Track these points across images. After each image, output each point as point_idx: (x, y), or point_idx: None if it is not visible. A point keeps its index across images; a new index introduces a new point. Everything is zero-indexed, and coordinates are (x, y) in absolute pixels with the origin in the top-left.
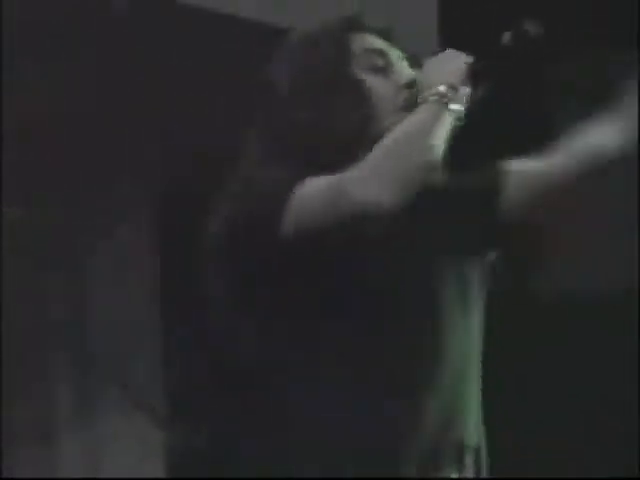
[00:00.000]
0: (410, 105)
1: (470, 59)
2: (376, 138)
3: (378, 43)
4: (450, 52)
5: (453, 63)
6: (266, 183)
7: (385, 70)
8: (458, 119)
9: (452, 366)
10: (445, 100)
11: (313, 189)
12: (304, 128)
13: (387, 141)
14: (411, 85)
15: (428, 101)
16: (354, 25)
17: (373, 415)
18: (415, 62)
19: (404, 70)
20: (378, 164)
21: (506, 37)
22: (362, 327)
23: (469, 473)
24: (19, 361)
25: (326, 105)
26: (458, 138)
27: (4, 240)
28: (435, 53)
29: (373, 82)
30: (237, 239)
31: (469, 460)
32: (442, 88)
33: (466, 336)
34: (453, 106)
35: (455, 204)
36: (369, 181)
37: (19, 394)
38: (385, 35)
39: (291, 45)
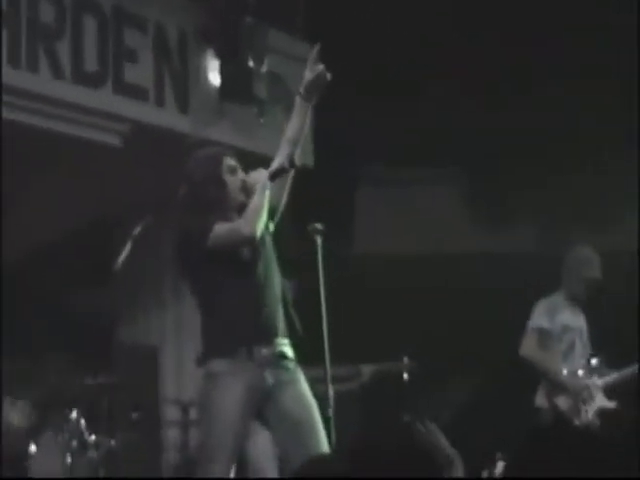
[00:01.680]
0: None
1: (267, 174)
2: (236, 205)
3: (232, 162)
4: (261, 170)
5: (263, 173)
6: (198, 222)
7: (235, 173)
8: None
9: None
10: (264, 188)
11: (223, 228)
12: (210, 200)
13: (248, 208)
14: (244, 186)
15: (258, 189)
16: (225, 152)
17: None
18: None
19: (241, 174)
20: (246, 220)
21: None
22: (240, 284)
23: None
24: None
25: (216, 187)
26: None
27: None
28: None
29: (230, 178)
30: (186, 246)
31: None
32: (261, 183)
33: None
34: (267, 190)
35: None
36: (243, 227)
37: None
38: (235, 155)
39: (198, 157)
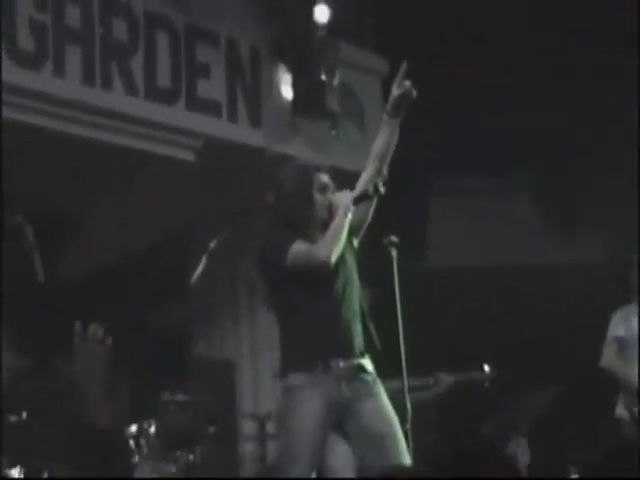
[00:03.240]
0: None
1: (352, 195)
2: (320, 223)
3: (325, 179)
4: (346, 191)
5: (347, 196)
6: (280, 239)
7: (325, 192)
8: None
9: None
10: (346, 212)
11: (301, 249)
12: (297, 216)
13: (327, 232)
14: (330, 205)
15: (340, 213)
16: (317, 168)
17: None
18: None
19: (331, 194)
20: (323, 245)
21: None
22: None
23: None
24: None
25: (306, 206)
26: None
27: None
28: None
29: (320, 197)
30: (265, 262)
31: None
32: (343, 207)
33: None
34: (349, 214)
35: None
36: (319, 252)
37: None
38: (328, 173)
39: (290, 170)
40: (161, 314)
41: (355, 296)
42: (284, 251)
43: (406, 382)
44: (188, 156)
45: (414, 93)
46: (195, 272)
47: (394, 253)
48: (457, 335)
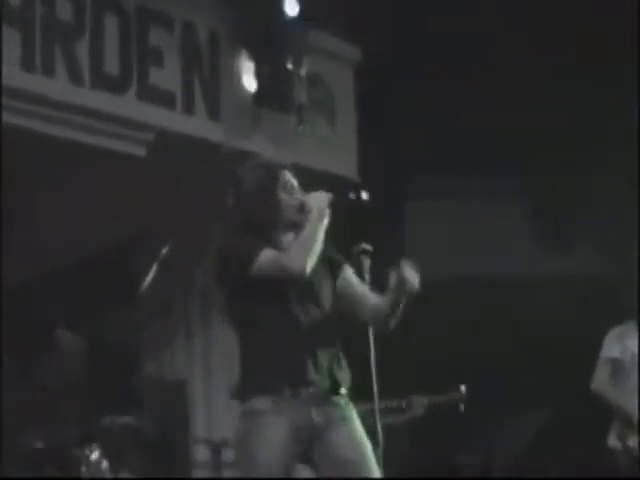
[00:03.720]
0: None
1: (330, 197)
2: (287, 226)
3: (289, 177)
4: (322, 192)
5: (324, 197)
6: (242, 245)
7: (292, 191)
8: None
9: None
10: (321, 216)
11: (269, 257)
12: (259, 217)
13: (300, 239)
14: (302, 206)
15: (315, 216)
16: (282, 166)
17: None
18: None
19: (298, 194)
20: (296, 253)
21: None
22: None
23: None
24: None
25: (270, 206)
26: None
27: None
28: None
29: (285, 196)
30: (225, 271)
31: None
32: (318, 210)
33: None
34: (325, 219)
35: None
36: (291, 262)
37: None
38: (292, 171)
39: (251, 167)
40: (104, 326)
41: (326, 312)
42: (248, 258)
43: (377, 405)
44: (139, 151)
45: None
46: (144, 280)
47: (367, 263)
48: (435, 354)
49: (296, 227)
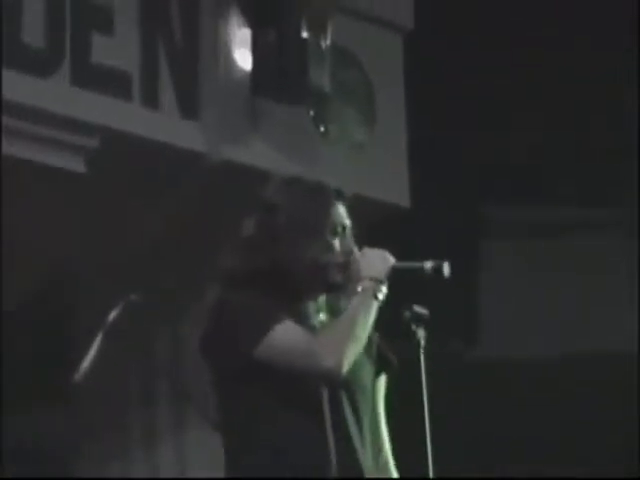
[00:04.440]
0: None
1: (390, 261)
2: (321, 289)
3: (344, 216)
4: (382, 252)
5: (383, 262)
6: (245, 306)
7: (342, 236)
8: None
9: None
10: (375, 292)
11: (292, 338)
12: (286, 264)
13: (341, 325)
14: (347, 265)
15: (364, 290)
16: (337, 196)
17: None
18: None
19: (350, 242)
20: (334, 346)
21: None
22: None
23: None
24: None
25: (305, 252)
26: None
27: None
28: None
29: (333, 245)
30: (220, 344)
31: None
32: (372, 283)
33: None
34: (380, 296)
35: None
36: (325, 356)
37: None
38: (349, 205)
39: (286, 194)
40: (26, 422)
41: (366, 405)
42: (260, 331)
43: None
44: (75, 165)
45: None
46: (83, 361)
47: (421, 333)
48: None
49: (333, 291)
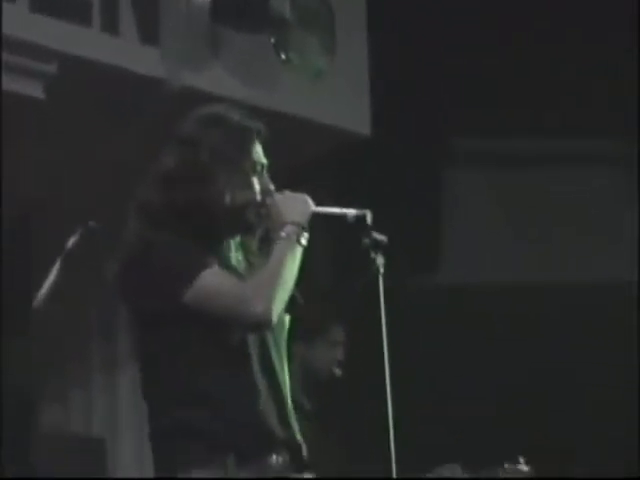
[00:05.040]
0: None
1: (310, 206)
2: (238, 228)
3: (262, 154)
4: (303, 196)
5: (305, 206)
6: (171, 249)
7: (261, 177)
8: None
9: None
10: (299, 238)
11: (221, 283)
12: (206, 201)
13: (267, 274)
14: (264, 204)
15: (288, 236)
16: (258, 134)
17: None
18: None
19: (268, 181)
20: (262, 292)
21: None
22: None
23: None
24: None
25: (225, 189)
26: None
27: None
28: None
29: (253, 183)
30: (144, 295)
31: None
32: (295, 228)
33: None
34: (303, 241)
35: None
36: (254, 301)
37: None
38: (265, 144)
39: (206, 121)
40: None
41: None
42: (187, 277)
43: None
44: (33, 90)
45: None
46: (41, 288)
47: (379, 260)
48: None
49: (251, 231)
